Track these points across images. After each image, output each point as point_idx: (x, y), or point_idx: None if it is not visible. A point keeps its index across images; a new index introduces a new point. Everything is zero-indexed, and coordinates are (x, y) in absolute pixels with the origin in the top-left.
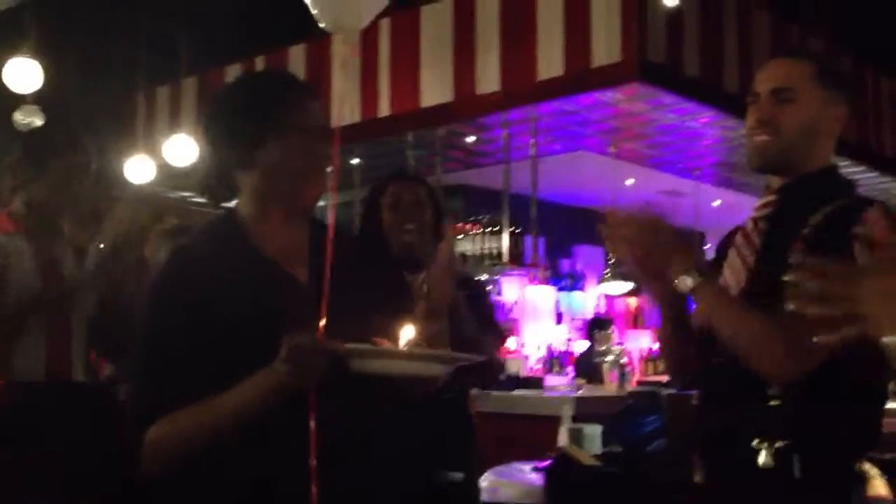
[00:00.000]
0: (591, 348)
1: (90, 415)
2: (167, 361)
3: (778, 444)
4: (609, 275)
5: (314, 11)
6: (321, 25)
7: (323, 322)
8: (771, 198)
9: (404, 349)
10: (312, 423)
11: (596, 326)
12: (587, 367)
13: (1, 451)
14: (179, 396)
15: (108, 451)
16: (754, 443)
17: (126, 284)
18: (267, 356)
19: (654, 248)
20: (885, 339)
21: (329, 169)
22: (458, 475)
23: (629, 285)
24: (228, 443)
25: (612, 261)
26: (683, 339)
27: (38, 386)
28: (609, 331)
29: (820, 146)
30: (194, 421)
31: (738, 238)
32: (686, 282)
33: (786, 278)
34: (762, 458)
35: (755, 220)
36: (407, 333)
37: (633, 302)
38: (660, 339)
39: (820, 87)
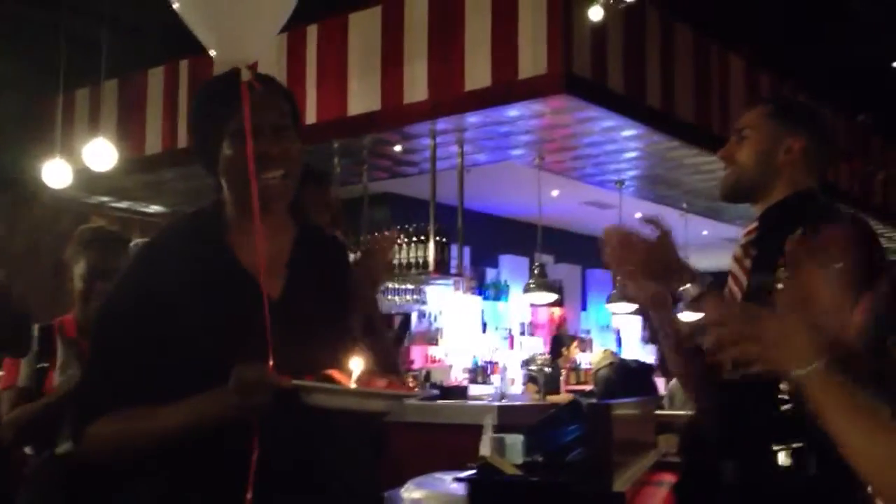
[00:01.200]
0: (555, 364)
1: None
2: (119, 356)
3: (794, 446)
4: (534, 284)
5: (202, 41)
6: (211, 54)
7: (272, 353)
8: (754, 224)
9: (354, 387)
10: (254, 456)
11: (560, 343)
12: (552, 381)
13: None
14: (128, 394)
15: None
16: (773, 446)
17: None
18: (218, 370)
19: (659, 266)
20: None
21: (278, 173)
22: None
23: (553, 296)
24: (166, 457)
25: (618, 283)
26: (687, 354)
27: None
28: (573, 345)
29: (783, 174)
30: (138, 425)
31: (732, 263)
32: (691, 290)
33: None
34: (781, 459)
35: (744, 246)
36: (357, 365)
37: (556, 311)
38: (666, 355)
39: (772, 123)
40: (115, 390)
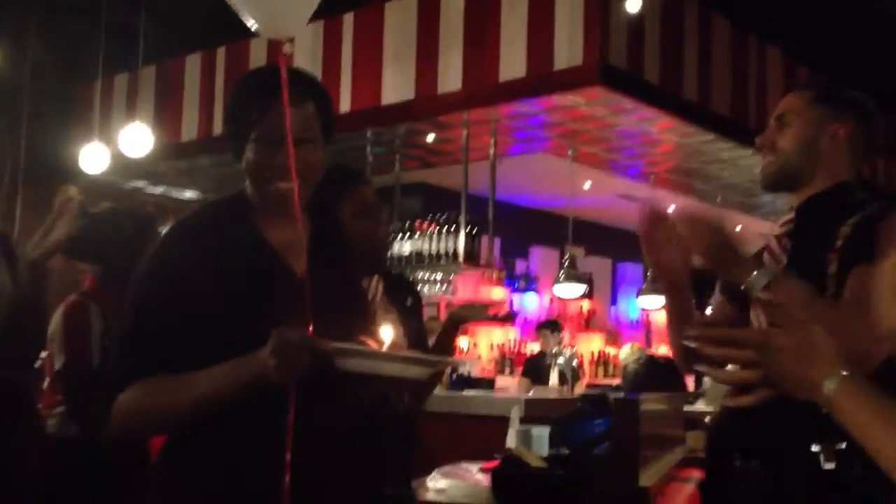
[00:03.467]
0: (541, 350)
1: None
2: (151, 330)
3: (838, 447)
4: (563, 276)
5: (246, 17)
6: (253, 29)
7: (311, 319)
8: (790, 216)
9: (390, 351)
10: (291, 417)
11: (545, 327)
12: (535, 368)
13: None
14: (159, 366)
15: (15, 445)
16: (814, 447)
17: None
18: (250, 341)
19: (715, 248)
20: None
21: (286, 184)
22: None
23: (582, 288)
24: (198, 423)
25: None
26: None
27: None
28: (558, 333)
29: (825, 162)
30: (169, 393)
31: (765, 255)
32: (761, 280)
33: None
34: (824, 461)
35: (778, 238)
36: (388, 334)
37: (585, 305)
38: (672, 342)
39: (816, 109)
40: (148, 363)
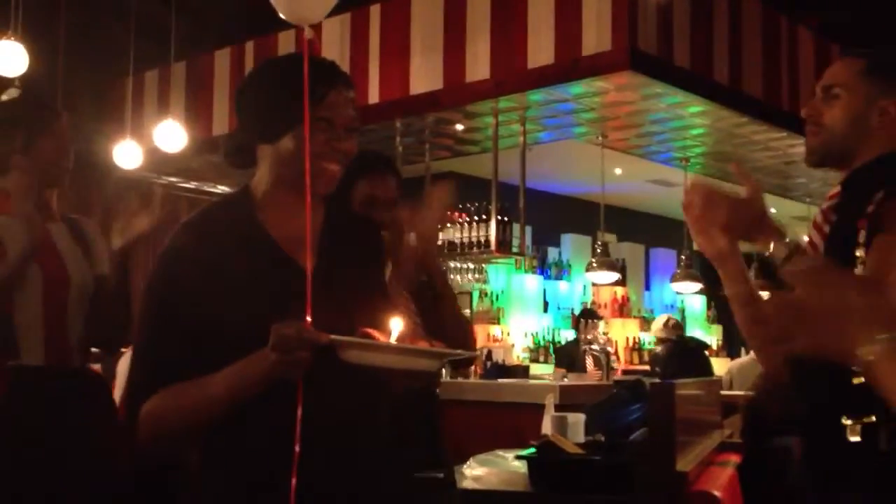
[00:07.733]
0: (576, 338)
1: (85, 402)
2: (166, 336)
3: (865, 420)
4: (596, 263)
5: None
6: (281, 16)
7: (310, 313)
8: (836, 189)
9: (392, 343)
10: (299, 411)
11: (585, 317)
12: (568, 356)
13: None
14: (177, 371)
15: (99, 440)
16: (843, 420)
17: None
18: (261, 339)
19: (743, 224)
20: None
21: (339, 166)
22: (439, 474)
23: (615, 275)
24: (218, 423)
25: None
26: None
27: (35, 370)
28: (597, 322)
29: (875, 138)
30: (187, 398)
31: (811, 229)
32: (778, 251)
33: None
34: (851, 434)
35: (824, 211)
36: (397, 325)
37: (619, 291)
38: (738, 320)
39: (866, 82)
40: (167, 372)
